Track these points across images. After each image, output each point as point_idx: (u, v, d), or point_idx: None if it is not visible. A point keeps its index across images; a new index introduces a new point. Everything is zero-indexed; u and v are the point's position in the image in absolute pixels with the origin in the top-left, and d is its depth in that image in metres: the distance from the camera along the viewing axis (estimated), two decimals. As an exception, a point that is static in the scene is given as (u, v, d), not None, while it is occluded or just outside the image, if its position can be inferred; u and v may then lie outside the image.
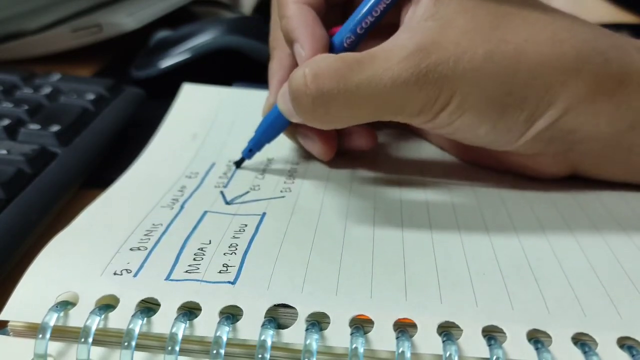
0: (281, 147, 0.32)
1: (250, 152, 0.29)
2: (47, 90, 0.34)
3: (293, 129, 0.29)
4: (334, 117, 0.23)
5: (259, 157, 0.31)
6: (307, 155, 0.30)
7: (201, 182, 0.28)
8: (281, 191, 0.27)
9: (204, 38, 0.42)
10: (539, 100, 0.23)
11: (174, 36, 0.45)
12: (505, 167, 0.28)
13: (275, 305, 0.19)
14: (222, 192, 0.27)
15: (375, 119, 0.23)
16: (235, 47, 0.42)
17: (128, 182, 0.28)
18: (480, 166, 0.29)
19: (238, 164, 0.29)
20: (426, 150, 0.32)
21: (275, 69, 0.29)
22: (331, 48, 0.25)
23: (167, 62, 0.42)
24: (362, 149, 0.29)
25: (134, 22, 0.47)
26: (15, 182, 0.26)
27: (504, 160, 0.28)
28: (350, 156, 0.30)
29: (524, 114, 0.23)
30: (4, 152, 0.28)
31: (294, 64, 0.27)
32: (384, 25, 0.25)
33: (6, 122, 0.30)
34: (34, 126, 0.30)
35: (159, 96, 0.37)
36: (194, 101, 0.36)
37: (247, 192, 0.27)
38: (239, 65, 0.43)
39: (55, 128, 0.30)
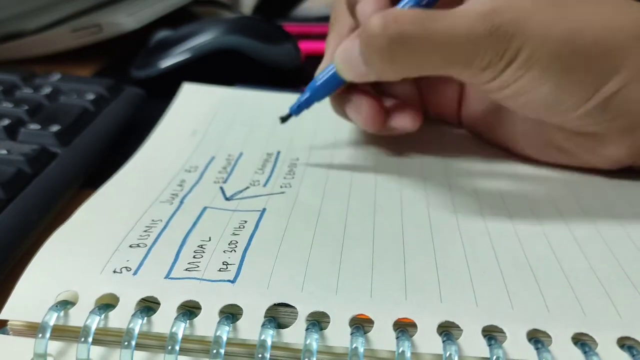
0: (281, 141, 0.32)
1: (298, 108, 0.29)
2: (47, 90, 0.34)
3: (340, 98, 0.29)
4: (408, 63, 0.24)
5: (259, 151, 0.31)
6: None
7: (200, 177, 0.28)
8: (281, 187, 0.27)
9: (204, 38, 0.42)
10: (604, 64, 0.24)
11: (174, 36, 0.45)
12: (566, 155, 0.29)
13: (275, 304, 0.19)
14: (221, 188, 0.27)
15: (443, 71, 0.25)
16: (235, 47, 0.42)
17: (126, 176, 0.28)
18: (530, 158, 0.30)
19: (284, 119, 0.30)
20: (428, 149, 0.32)
21: (332, 37, 0.30)
22: None
23: (167, 62, 0.42)
24: (407, 130, 0.29)
25: (134, 22, 0.47)
26: (15, 182, 0.26)
27: (566, 146, 0.28)
28: (353, 151, 0.30)
29: (589, 77, 0.24)
30: (4, 152, 0.28)
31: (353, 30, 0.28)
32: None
33: (6, 122, 0.30)
34: (34, 126, 0.30)
35: (159, 96, 0.37)
36: (194, 100, 0.36)
37: (247, 188, 0.27)
38: (239, 65, 0.43)
39: (55, 128, 0.30)
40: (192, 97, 0.36)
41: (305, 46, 0.49)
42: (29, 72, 0.37)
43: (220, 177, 0.28)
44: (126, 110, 0.36)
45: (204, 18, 0.57)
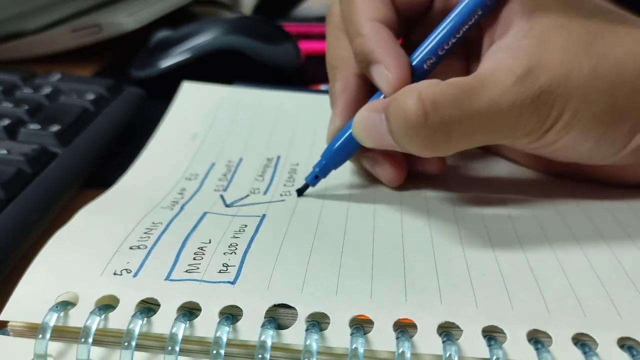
0: (281, 144, 0.32)
1: (316, 179, 0.27)
2: (47, 90, 0.34)
3: (359, 154, 0.27)
4: (452, 146, 0.22)
5: (259, 156, 0.30)
6: (371, 179, 0.28)
7: (201, 185, 0.28)
8: (281, 194, 0.27)
9: (204, 38, 0.42)
10: None
11: (174, 36, 0.45)
12: (591, 177, 0.28)
13: (275, 305, 0.19)
14: (221, 196, 0.27)
15: (486, 143, 0.23)
16: (235, 47, 0.42)
17: (127, 183, 0.28)
18: (556, 176, 0.29)
19: (301, 191, 0.27)
20: None
21: (340, 90, 0.27)
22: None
23: (167, 62, 0.42)
24: (432, 174, 0.28)
25: (134, 22, 0.47)
26: (15, 182, 0.26)
27: (591, 172, 0.27)
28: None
29: (627, 127, 0.23)
30: (4, 152, 0.28)
31: (361, 86, 0.27)
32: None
33: (6, 122, 0.30)
34: (34, 126, 0.30)
35: (159, 96, 0.37)
36: (194, 99, 0.36)
37: (247, 196, 0.27)
38: (239, 65, 0.43)
39: (55, 128, 0.30)
40: (191, 96, 0.36)
41: (305, 46, 0.49)
42: (29, 72, 0.37)
43: (220, 185, 0.28)
44: (126, 110, 0.36)
45: (204, 18, 0.57)
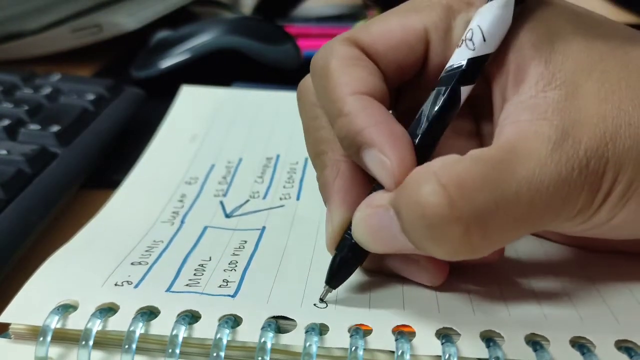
0: (280, 142, 0.32)
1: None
2: (47, 90, 0.34)
3: (381, 257, 0.21)
4: (491, 242, 0.17)
5: (259, 155, 0.30)
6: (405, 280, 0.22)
7: (201, 189, 0.28)
8: (280, 198, 0.27)
9: (204, 38, 0.42)
10: None
11: (174, 36, 0.45)
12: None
13: (274, 316, 0.19)
14: (221, 202, 0.27)
15: (530, 232, 0.19)
16: (235, 47, 0.42)
17: (128, 190, 0.28)
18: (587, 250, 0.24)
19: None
20: None
21: (332, 178, 0.21)
22: None
23: (167, 62, 0.42)
24: (487, 263, 0.21)
25: (134, 22, 0.47)
26: (15, 182, 0.26)
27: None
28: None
29: None
30: (4, 152, 0.28)
31: (357, 169, 0.21)
32: None
33: (6, 122, 0.30)
34: (34, 126, 0.30)
35: (159, 96, 0.37)
36: (193, 102, 0.36)
37: (247, 201, 0.27)
38: (239, 66, 0.43)
39: (55, 128, 0.30)
40: (190, 99, 0.36)
41: (305, 46, 0.49)
42: (29, 72, 0.37)
43: (220, 190, 0.28)
44: (126, 111, 0.36)
45: (204, 18, 0.57)
